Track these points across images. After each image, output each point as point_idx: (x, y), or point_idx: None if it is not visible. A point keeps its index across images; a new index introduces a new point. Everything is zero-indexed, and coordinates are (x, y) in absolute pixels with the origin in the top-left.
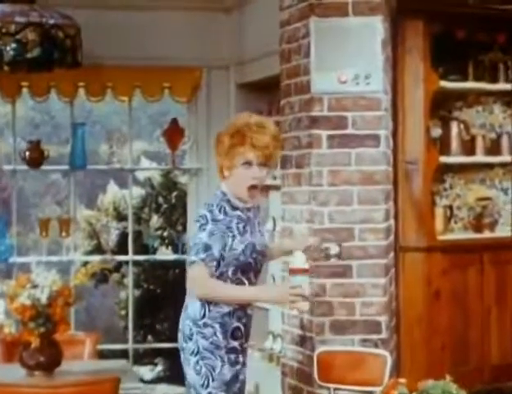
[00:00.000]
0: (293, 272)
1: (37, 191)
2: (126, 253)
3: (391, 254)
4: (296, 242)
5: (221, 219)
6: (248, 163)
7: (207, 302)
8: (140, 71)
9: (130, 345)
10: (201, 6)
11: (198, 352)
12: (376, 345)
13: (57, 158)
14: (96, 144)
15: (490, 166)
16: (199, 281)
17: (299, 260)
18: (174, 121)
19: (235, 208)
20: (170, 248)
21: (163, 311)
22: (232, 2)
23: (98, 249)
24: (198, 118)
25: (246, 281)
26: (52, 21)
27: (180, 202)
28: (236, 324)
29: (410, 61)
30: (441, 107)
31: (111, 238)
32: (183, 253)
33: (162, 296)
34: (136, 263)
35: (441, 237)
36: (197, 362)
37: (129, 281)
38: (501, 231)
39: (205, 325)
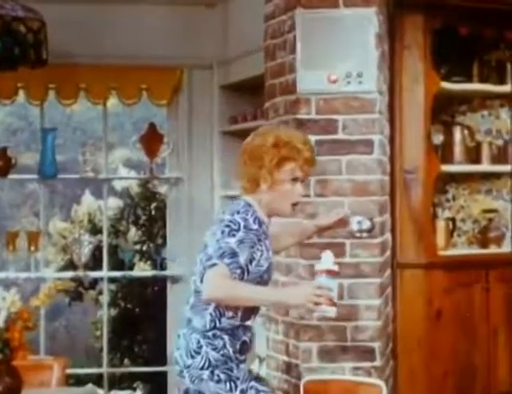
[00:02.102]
0: (321, 273)
1: (14, 202)
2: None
3: (387, 272)
4: (329, 216)
5: (254, 229)
6: (295, 179)
7: (217, 315)
8: (116, 71)
9: (104, 369)
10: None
11: (209, 365)
12: (369, 374)
13: (32, 166)
14: (76, 151)
15: (496, 175)
16: (219, 280)
17: (328, 260)
18: (151, 126)
19: (261, 222)
20: (148, 263)
21: (142, 332)
22: None
23: (72, 265)
24: (178, 123)
25: None
26: (13, 14)
27: (160, 213)
28: (244, 338)
29: (409, 60)
30: (443, 110)
31: (84, 252)
32: (162, 268)
33: (140, 316)
34: (112, 280)
35: (442, 253)
36: (212, 372)
37: (104, 299)
38: (509, 246)
39: (215, 336)
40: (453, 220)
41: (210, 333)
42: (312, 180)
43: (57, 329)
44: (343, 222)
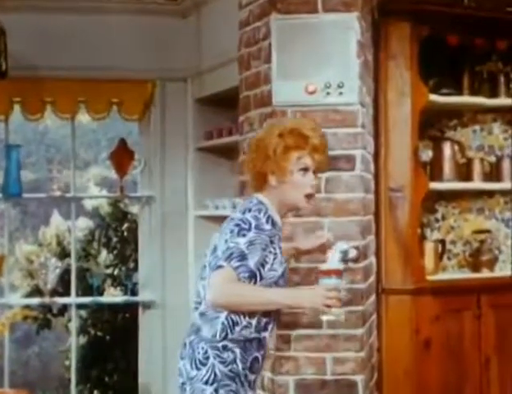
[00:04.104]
0: (326, 273)
1: None
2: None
3: (371, 299)
4: (309, 240)
5: (267, 229)
6: (305, 169)
7: (230, 324)
8: (84, 85)
9: None
10: (154, 8)
11: (214, 380)
12: None
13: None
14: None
15: (489, 193)
16: (224, 285)
17: (333, 261)
18: (122, 142)
19: (274, 222)
20: (119, 288)
21: (112, 361)
22: (189, 4)
23: (39, 291)
24: (150, 138)
25: None
26: None
27: (132, 235)
28: (256, 354)
29: (394, 70)
30: (432, 125)
31: (50, 278)
32: (133, 294)
33: (111, 344)
34: (82, 306)
35: (431, 277)
36: (216, 391)
37: (72, 327)
38: (502, 270)
39: (225, 348)
40: (442, 242)
41: (220, 344)
42: None
43: (29, 357)
44: (324, 248)
